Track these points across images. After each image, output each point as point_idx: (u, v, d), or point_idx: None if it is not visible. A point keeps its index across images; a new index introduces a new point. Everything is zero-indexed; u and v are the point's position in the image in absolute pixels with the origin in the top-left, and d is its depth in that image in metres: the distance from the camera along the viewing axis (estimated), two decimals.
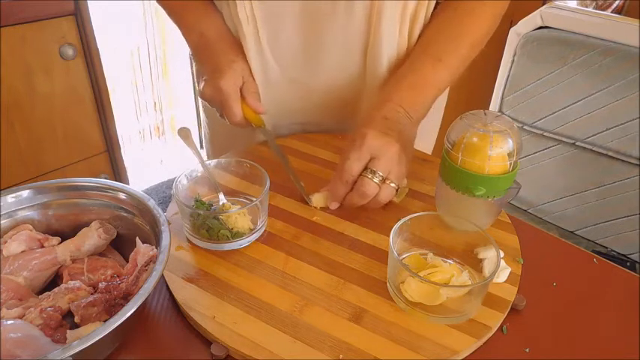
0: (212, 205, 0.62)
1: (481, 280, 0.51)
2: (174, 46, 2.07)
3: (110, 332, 0.40)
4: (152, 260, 0.49)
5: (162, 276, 0.51)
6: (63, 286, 0.50)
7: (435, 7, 0.73)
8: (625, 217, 1.39)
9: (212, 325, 0.48)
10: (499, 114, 0.57)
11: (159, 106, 2.15)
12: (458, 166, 0.55)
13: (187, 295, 0.51)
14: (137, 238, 0.52)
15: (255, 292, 0.52)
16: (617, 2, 1.79)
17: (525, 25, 1.44)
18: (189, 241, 0.59)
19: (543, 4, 1.44)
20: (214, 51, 0.73)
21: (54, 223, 0.57)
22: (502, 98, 1.53)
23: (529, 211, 1.58)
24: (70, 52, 1.27)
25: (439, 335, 0.48)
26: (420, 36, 0.74)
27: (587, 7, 1.72)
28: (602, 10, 1.76)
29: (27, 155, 1.30)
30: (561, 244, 0.63)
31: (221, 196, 0.63)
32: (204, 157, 0.68)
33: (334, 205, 0.64)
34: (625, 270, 0.59)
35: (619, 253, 1.43)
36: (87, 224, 0.56)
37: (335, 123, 0.83)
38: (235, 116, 0.70)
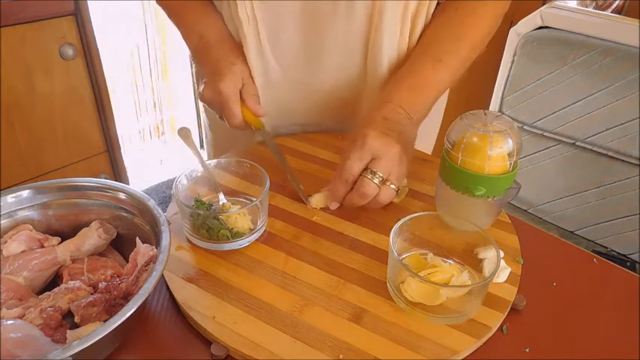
0: (212, 205, 0.62)
1: (481, 280, 0.51)
2: (174, 46, 2.07)
3: (110, 332, 0.40)
4: (152, 260, 0.49)
5: (163, 276, 0.51)
6: (63, 286, 0.50)
7: (436, 7, 0.73)
8: (625, 217, 1.39)
9: (212, 325, 0.48)
10: (499, 114, 0.57)
11: (159, 106, 2.15)
12: (458, 166, 0.55)
13: (187, 295, 0.51)
14: (137, 238, 0.52)
15: (255, 292, 0.52)
16: (617, 2, 1.79)
17: (525, 25, 1.44)
18: (189, 241, 0.59)
19: (543, 4, 1.44)
20: (214, 53, 0.73)
21: (54, 223, 0.57)
22: (502, 98, 1.53)
23: (529, 211, 1.58)
24: (70, 52, 1.27)
25: (439, 335, 0.48)
26: (420, 36, 0.73)
27: (587, 7, 1.72)
28: (602, 10, 1.76)
29: (27, 155, 1.30)
30: (561, 244, 0.63)
31: (221, 196, 0.63)
32: (205, 157, 0.68)
33: (334, 206, 0.64)
34: (625, 270, 0.59)
35: (619, 253, 1.43)
36: (87, 224, 0.56)
37: (335, 123, 0.83)
38: (235, 119, 0.70)
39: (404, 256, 0.56)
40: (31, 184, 0.56)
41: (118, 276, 0.53)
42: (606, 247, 1.45)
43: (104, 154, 1.48)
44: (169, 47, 2.07)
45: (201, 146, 1.71)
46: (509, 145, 0.54)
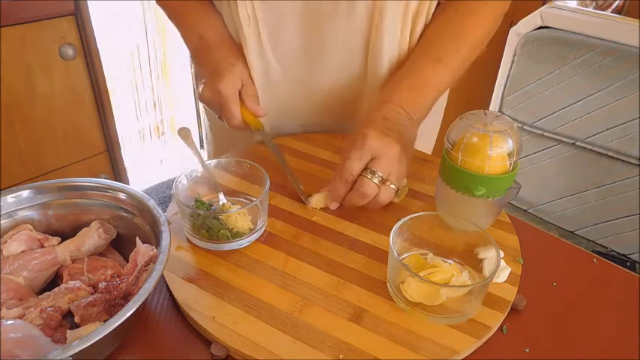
0: (212, 205, 0.62)
1: (481, 280, 0.51)
2: (174, 46, 2.07)
3: (110, 332, 0.40)
4: (152, 260, 0.49)
5: (163, 276, 0.51)
6: (63, 286, 0.50)
7: (436, 8, 0.73)
8: (625, 217, 1.39)
9: (212, 325, 0.48)
10: (499, 114, 0.57)
11: (159, 106, 2.15)
12: (458, 166, 0.55)
13: (187, 295, 0.51)
14: (137, 238, 0.52)
15: (255, 292, 0.52)
16: (617, 2, 1.79)
17: (525, 25, 1.44)
18: (189, 241, 0.59)
19: (543, 4, 1.44)
20: (214, 54, 0.73)
21: (54, 223, 0.57)
22: (502, 98, 1.53)
23: (529, 211, 1.58)
24: (70, 52, 1.27)
25: (439, 335, 0.48)
26: (420, 36, 0.73)
27: (587, 7, 1.72)
28: (602, 10, 1.76)
29: (27, 155, 1.30)
30: (561, 244, 0.63)
31: (221, 196, 0.63)
32: (205, 157, 0.68)
33: (334, 205, 0.64)
34: (625, 270, 0.59)
35: (619, 253, 1.43)
36: (87, 224, 0.56)
37: (335, 123, 0.83)
38: (234, 119, 0.70)
39: (404, 256, 0.56)
40: (31, 184, 0.56)
41: (118, 276, 0.53)
42: (606, 247, 1.45)
43: (104, 154, 1.48)
44: (169, 47, 2.07)
45: (201, 146, 1.71)
46: (509, 145, 0.54)
